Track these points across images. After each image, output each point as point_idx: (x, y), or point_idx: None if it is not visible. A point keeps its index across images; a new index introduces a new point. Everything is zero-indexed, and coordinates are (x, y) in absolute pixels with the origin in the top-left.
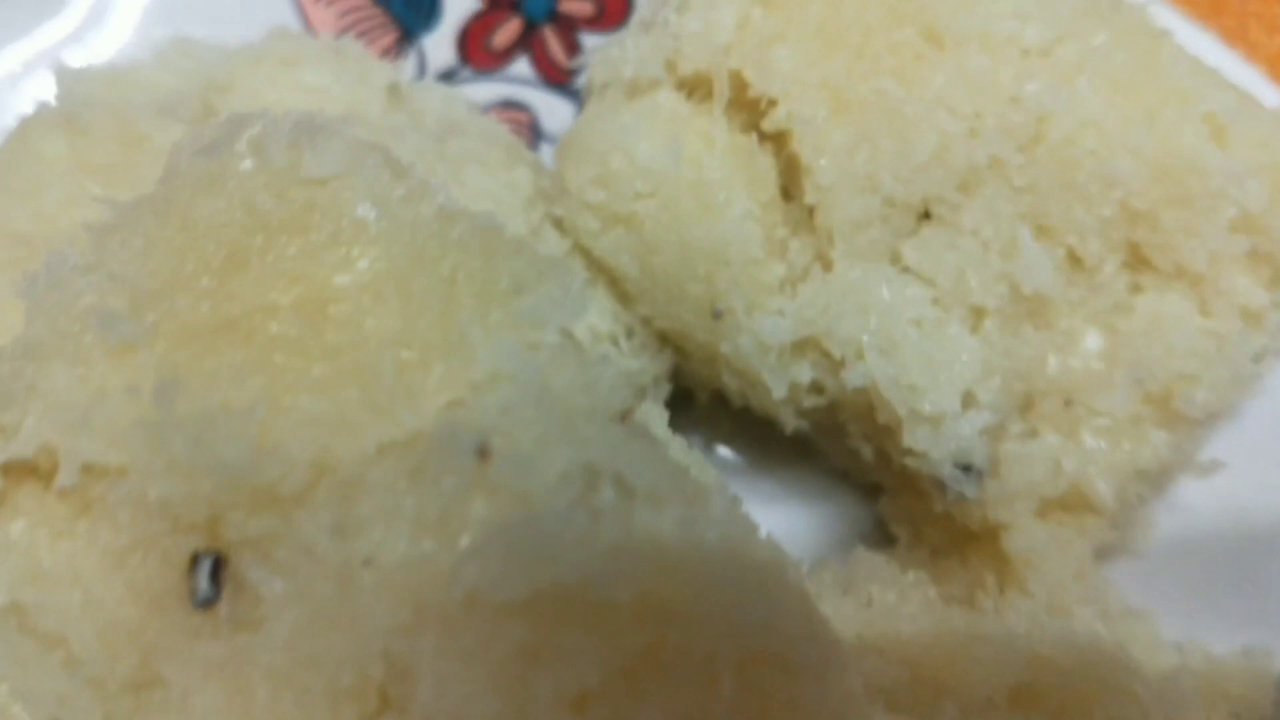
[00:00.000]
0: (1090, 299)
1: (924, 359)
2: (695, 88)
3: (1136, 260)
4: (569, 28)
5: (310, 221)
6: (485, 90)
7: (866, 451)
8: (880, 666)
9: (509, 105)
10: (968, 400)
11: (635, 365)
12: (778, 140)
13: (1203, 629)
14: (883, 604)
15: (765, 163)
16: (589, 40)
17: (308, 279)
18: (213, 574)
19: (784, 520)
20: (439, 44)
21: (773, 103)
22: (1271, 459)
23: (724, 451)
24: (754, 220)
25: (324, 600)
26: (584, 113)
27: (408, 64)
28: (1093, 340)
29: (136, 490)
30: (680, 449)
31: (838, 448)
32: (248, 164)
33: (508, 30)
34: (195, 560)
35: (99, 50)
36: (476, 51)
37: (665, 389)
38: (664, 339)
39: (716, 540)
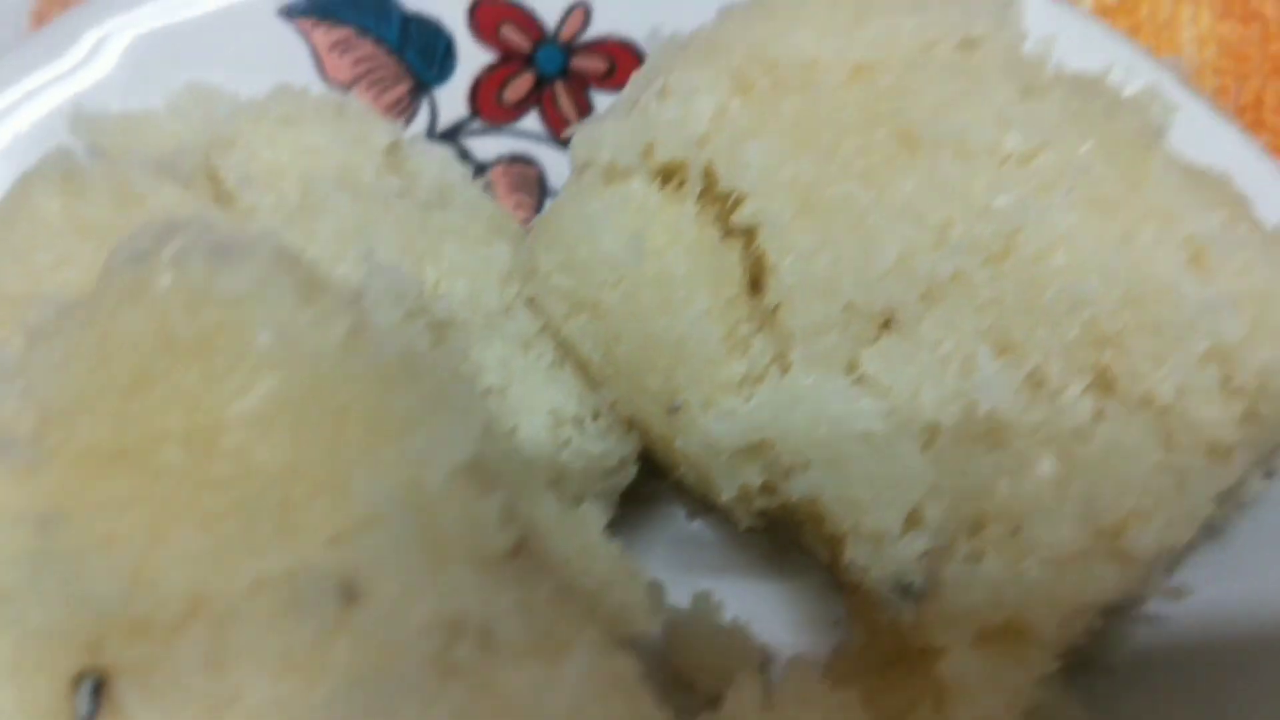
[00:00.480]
0: (1050, 422)
1: (869, 476)
2: (670, 176)
3: (1103, 385)
4: (581, 84)
5: (216, 344)
6: (495, 144)
7: (822, 553)
8: None
9: (518, 160)
10: (912, 520)
11: (599, 448)
12: (750, 234)
13: None
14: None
15: (734, 258)
16: (600, 98)
17: (204, 407)
18: (94, 694)
19: (756, 598)
20: (452, 95)
21: (741, 199)
22: (1250, 578)
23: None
24: (714, 318)
25: None
26: (561, 194)
27: (420, 114)
28: (1047, 466)
29: (20, 614)
30: (612, 556)
31: (800, 541)
32: (166, 279)
33: (520, 84)
34: (79, 679)
35: (114, 95)
36: (488, 104)
37: (632, 470)
38: (631, 423)
39: (565, 707)
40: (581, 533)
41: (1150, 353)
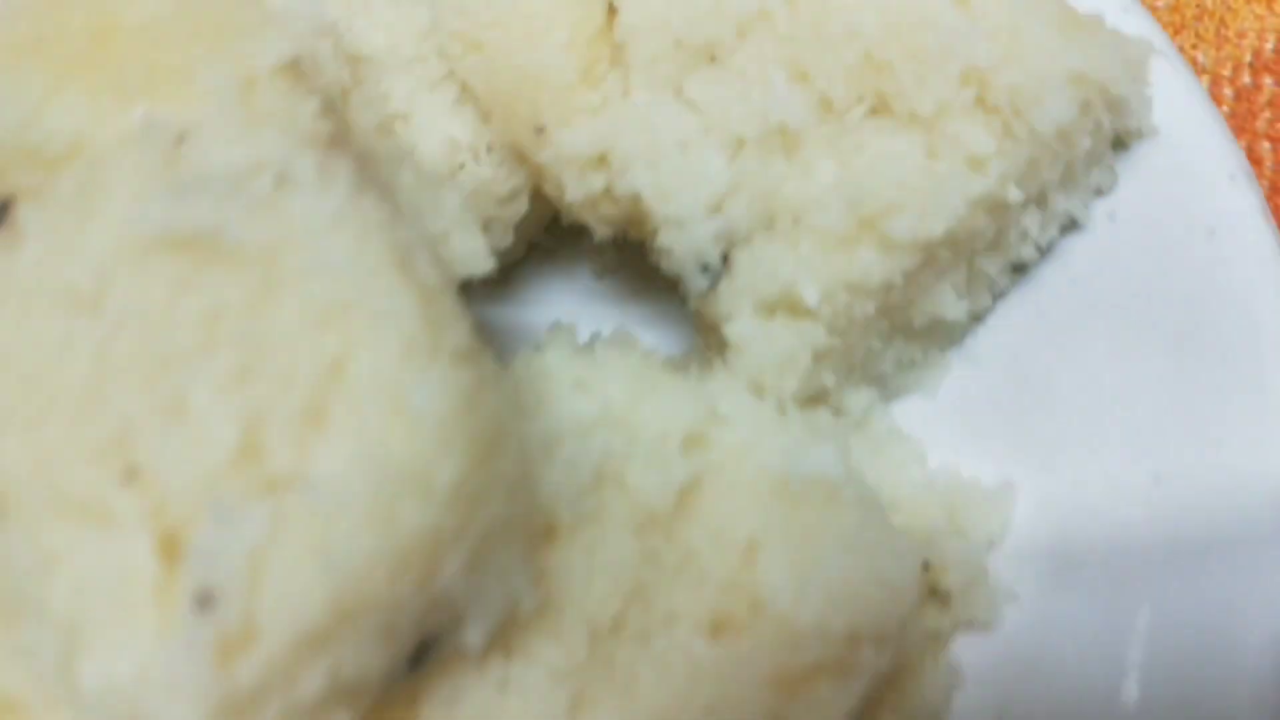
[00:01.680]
0: (836, 138)
1: (679, 173)
2: None
3: (882, 107)
4: None
5: None
6: None
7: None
8: None
9: None
10: (713, 210)
11: (490, 174)
12: None
13: (969, 464)
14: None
15: (598, 6)
16: None
17: (105, 13)
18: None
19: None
20: None
21: None
22: (1054, 323)
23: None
24: (572, 50)
25: (62, 234)
26: None
27: None
28: (826, 170)
29: None
30: (458, 216)
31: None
32: None
33: None
34: None
35: None
36: None
37: (523, 203)
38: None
39: (330, 214)
40: (437, 198)
41: (914, 75)
